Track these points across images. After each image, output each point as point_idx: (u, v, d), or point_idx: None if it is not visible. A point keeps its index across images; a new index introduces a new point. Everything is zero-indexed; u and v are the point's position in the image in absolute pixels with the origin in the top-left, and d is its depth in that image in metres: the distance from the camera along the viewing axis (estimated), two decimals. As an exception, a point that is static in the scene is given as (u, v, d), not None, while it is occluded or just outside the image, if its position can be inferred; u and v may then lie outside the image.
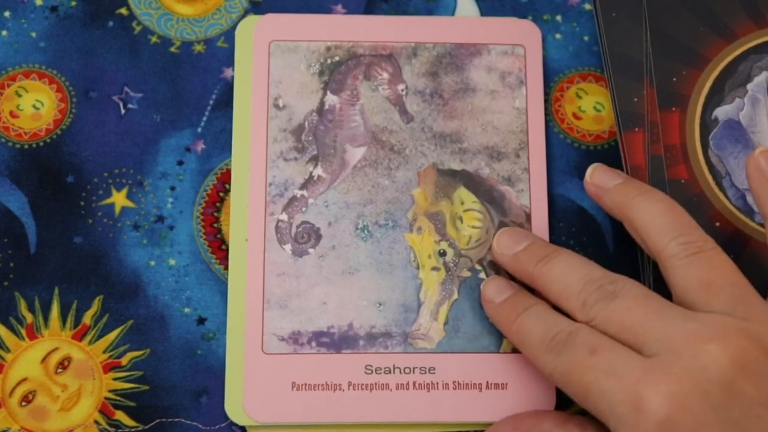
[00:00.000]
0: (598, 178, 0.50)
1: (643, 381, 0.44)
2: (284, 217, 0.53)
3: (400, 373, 0.51)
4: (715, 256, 0.47)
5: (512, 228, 0.52)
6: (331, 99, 0.55)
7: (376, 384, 0.51)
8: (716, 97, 0.53)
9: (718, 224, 0.52)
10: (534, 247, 0.50)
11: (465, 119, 0.55)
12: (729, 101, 0.53)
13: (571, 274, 0.48)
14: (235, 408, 0.51)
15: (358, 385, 0.51)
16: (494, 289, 0.50)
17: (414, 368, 0.51)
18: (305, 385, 0.51)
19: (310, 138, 0.54)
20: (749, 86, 0.53)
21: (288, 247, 0.53)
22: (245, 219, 0.53)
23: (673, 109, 0.53)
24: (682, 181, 0.52)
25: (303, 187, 0.54)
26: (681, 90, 0.53)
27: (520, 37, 0.56)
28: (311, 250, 0.53)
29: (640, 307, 0.46)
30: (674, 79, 0.53)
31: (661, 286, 0.49)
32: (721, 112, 0.53)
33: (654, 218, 0.48)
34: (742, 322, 0.45)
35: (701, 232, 0.47)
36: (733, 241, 0.51)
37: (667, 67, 0.53)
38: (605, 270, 0.48)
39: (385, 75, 0.55)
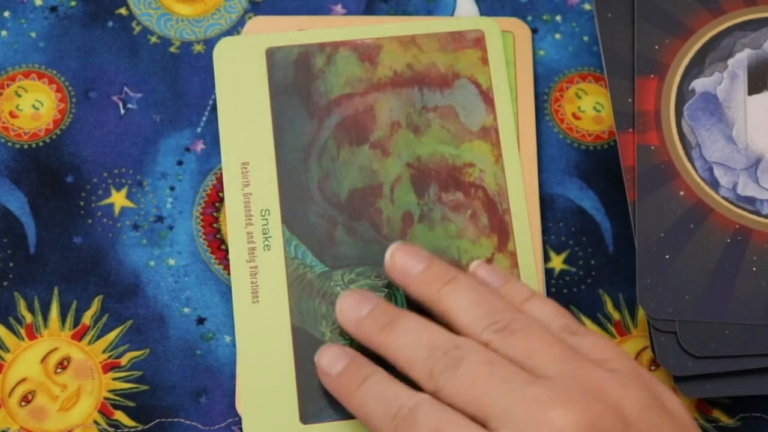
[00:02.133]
0: (399, 262, 0.48)
1: None
2: None
3: None
4: (530, 333, 0.45)
5: (355, 290, 0.49)
6: None
7: None
8: (696, 68, 0.53)
9: (682, 193, 0.51)
10: (376, 312, 0.47)
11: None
12: (708, 74, 0.53)
13: (415, 341, 0.45)
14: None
15: None
16: (329, 360, 0.48)
17: None
18: None
19: None
20: (730, 61, 0.53)
21: None
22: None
23: (652, 75, 0.53)
24: (652, 147, 0.52)
25: None
26: (661, 58, 0.53)
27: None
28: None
29: (484, 375, 0.43)
30: (656, 46, 0.53)
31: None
32: (699, 84, 0.53)
33: (463, 310, 0.46)
34: (579, 378, 0.43)
35: (511, 310, 0.46)
36: (695, 212, 0.51)
37: (650, 34, 0.53)
38: (450, 333, 0.46)
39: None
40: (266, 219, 0.53)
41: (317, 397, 0.50)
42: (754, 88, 0.53)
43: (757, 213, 0.52)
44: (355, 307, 0.48)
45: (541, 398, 0.42)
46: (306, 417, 0.50)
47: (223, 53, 0.55)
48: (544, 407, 0.42)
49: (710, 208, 0.51)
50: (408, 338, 0.46)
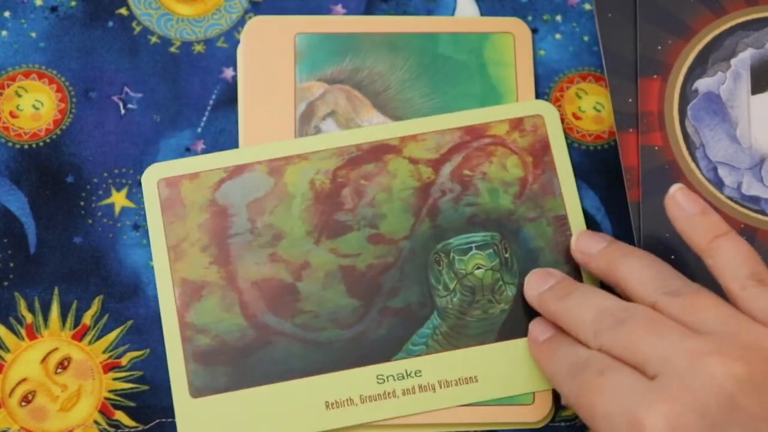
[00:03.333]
0: (582, 244, 0.52)
1: (643, 403, 0.43)
2: None
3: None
4: (697, 296, 0.47)
5: (541, 269, 0.52)
6: None
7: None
8: (699, 68, 0.53)
9: None
10: (557, 285, 0.51)
11: None
12: (711, 74, 0.53)
13: (585, 306, 0.48)
14: None
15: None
16: (538, 329, 0.51)
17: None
18: None
19: None
20: (733, 61, 0.53)
21: None
22: None
23: (655, 76, 0.53)
24: (656, 147, 0.52)
25: None
26: (664, 58, 0.53)
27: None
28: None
29: (643, 328, 0.46)
30: (659, 47, 0.53)
31: None
32: (702, 84, 0.53)
33: (636, 274, 0.48)
34: (740, 334, 0.45)
35: (682, 279, 0.48)
36: None
37: (653, 35, 0.53)
38: (619, 299, 0.48)
39: None
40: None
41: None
42: (757, 88, 0.53)
43: (762, 212, 0.52)
44: (540, 282, 0.51)
45: (699, 348, 0.44)
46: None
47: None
48: (703, 355, 0.44)
49: (715, 208, 0.51)
50: (579, 304, 0.49)
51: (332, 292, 0.52)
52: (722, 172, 0.52)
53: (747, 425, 0.43)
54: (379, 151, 0.54)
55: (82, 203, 0.54)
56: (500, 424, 0.52)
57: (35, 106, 0.56)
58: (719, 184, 0.52)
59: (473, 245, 0.52)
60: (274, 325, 0.51)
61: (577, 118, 0.56)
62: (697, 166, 0.52)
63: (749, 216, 0.51)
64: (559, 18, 0.58)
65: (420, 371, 0.51)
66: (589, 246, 0.51)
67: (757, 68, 0.53)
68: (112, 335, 0.53)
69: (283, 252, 0.52)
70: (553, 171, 0.54)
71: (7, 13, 0.57)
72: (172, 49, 0.57)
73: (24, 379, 0.52)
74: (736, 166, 0.52)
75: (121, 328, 0.53)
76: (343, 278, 0.52)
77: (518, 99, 0.56)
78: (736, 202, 0.52)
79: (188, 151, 0.55)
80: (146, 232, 0.54)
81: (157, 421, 0.52)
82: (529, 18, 0.58)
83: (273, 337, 0.51)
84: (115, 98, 0.56)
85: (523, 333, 0.51)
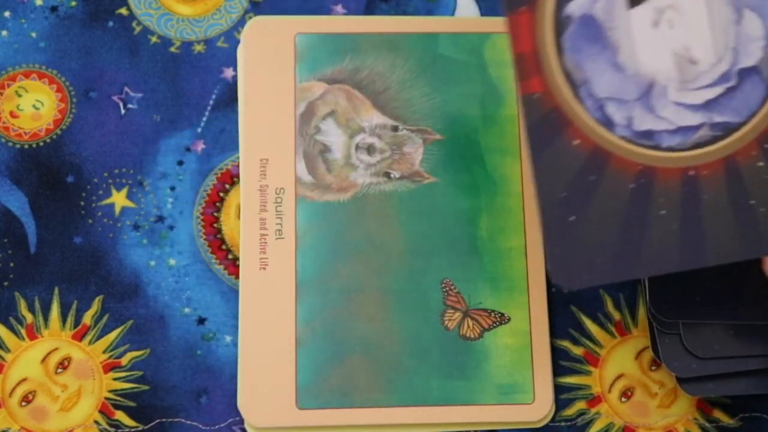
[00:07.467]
0: None
1: None
2: None
3: None
4: None
5: None
6: None
7: None
8: None
9: (577, 142, 0.45)
10: None
11: None
12: None
13: None
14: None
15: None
16: None
17: None
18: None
19: None
20: None
21: None
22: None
23: (522, 9, 0.45)
24: (536, 95, 0.45)
25: None
26: None
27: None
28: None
29: None
30: None
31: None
32: (575, 7, 0.45)
33: None
34: None
35: None
36: (595, 160, 0.45)
37: None
38: None
39: None
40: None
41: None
42: (635, 0, 0.46)
43: (657, 147, 0.46)
44: None
45: None
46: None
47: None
48: None
49: (608, 153, 0.45)
50: None
51: None
52: (610, 109, 0.45)
53: None
54: None
55: (82, 203, 0.54)
56: (500, 423, 0.52)
57: (35, 106, 0.56)
58: (609, 124, 0.45)
59: None
60: None
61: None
62: (583, 107, 0.45)
63: (645, 155, 0.45)
64: (559, 18, 0.58)
65: None
66: None
67: None
68: (112, 335, 0.53)
69: None
70: None
71: (7, 13, 0.57)
72: (172, 49, 0.57)
73: (24, 379, 0.52)
74: (624, 99, 0.46)
75: (121, 328, 0.53)
76: None
77: (518, 99, 0.56)
78: (629, 141, 0.45)
79: (188, 151, 0.55)
80: (146, 232, 0.54)
81: (157, 421, 0.52)
82: (529, 18, 0.58)
83: None
84: (115, 98, 0.56)
85: None
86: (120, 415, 0.52)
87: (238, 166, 0.55)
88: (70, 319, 0.53)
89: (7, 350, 0.52)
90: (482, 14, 0.58)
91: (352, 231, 0.54)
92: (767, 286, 0.49)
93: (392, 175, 0.55)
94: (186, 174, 0.55)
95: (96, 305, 0.53)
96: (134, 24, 0.57)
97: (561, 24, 0.45)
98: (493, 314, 0.53)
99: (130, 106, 0.56)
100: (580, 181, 0.45)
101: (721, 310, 0.49)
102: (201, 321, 0.53)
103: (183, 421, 0.52)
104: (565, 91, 0.45)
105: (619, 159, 0.45)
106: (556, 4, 0.45)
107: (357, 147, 0.55)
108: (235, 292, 0.53)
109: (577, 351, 0.54)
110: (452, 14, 0.58)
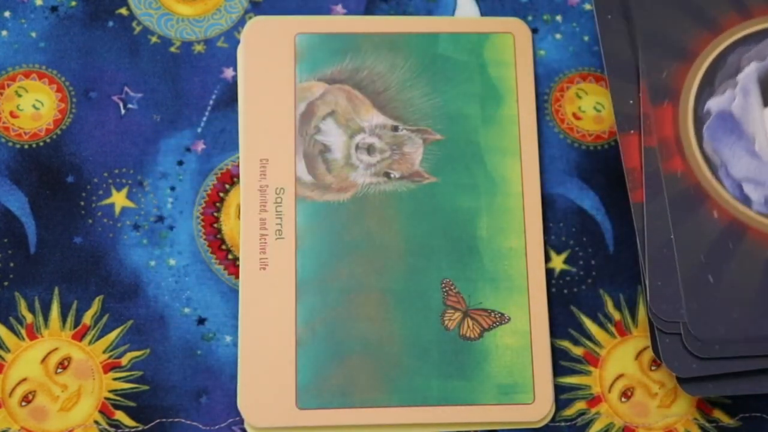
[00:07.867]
0: None
1: None
2: None
3: None
4: None
5: None
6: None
7: None
8: (707, 89, 0.53)
9: (715, 214, 0.51)
10: None
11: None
12: (720, 93, 0.53)
13: None
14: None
15: None
16: None
17: None
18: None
19: None
20: (739, 77, 0.53)
21: None
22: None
23: (665, 103, 0.53)
24: (678, 173, 0.52)
25: None
26: (671, 84, 0.53)
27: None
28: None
29: None
30: (664, 74, 0.53)
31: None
32: (714, 104, 0.53)
33: None
34: None
35: None
36: (732, 230, 0.51)
37: (656, 62, 0.53)
38: None
39: None
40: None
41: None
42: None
43: None
44: None
45: None
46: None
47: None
48: None
49: (746, 225, 0.51)
50: None
51: None
52: (747, 188, 0.52)
53: None
54: None
55: (82, 203, 0.54)
56: (500, 423, 0.52)
57: (35, 106, 0.56)
58: (746, 200, 0.52)
59: None
60: None
61: (577, 118, 0.57)
62: (722, 185, 0.52)
63: None
64: (559, 18, 0.58)
65: None
66: None
67: (764, 80, 0.53)
68: (112, 335, 0.53)
69: None
70: None
71: (7, 13, 0.57)
72: (172, 49, 0.57)
73: (24, 379, 0.52)
74: (760, 181, 0.52)
75: (121, 328, 0.53)
76: None
77: (518, 99, 0.56)
78: (766, 217, 0.52)
79: (188, 151, 0.55)
80: (146, 232, 0.54)
81: (158, 421, 0.52)
82: (529, 18, 0.58)
83: None
84: (115, 98, 0.56)
85: None
86: (120, 415, 0.52)
87: (238, 166, 0.55)
88: (70, 319, 0.53)
89: (7, 350, 0.52)
90: (482, 14, 0.58)
91: (352, 231, 0.54)
92: None
93: (392, 175, 0.55)
94: (186, 174, 0.55)
95: (96, 305, 0.53)
96: (134, 24, 0.57)
97: (700, 117, 0.53)
98: (493, 314, 0.53)
99: (130, 106, 0.56)
100: (718, 247, 0.51)
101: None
102: (201, 321, 0.53)
103: (183, 421, 0.52)
104: (705, 171, 0.52)
105: (756, 231, 0.51)
106: (695, 101, 0.53)
107: (357, 147, 0.55)
108: (235, 292, 0.53)
109: (577, 351, 0.54)
110: (452, 14, 0.58)
